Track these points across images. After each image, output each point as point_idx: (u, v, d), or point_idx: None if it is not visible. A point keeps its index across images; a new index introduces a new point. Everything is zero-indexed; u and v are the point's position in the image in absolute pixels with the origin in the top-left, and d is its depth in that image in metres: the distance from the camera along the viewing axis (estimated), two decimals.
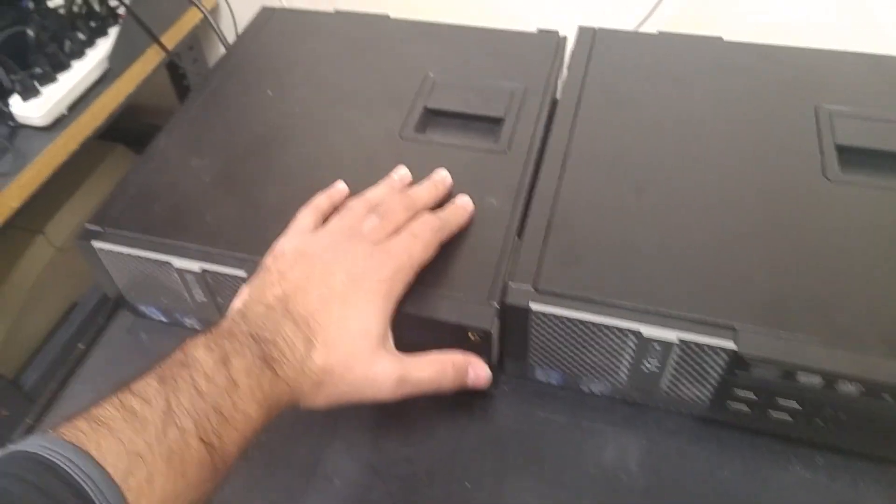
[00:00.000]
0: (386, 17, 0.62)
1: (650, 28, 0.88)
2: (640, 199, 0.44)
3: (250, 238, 0.44)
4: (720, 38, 0.57)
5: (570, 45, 0.58)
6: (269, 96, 0.55)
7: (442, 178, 0.46)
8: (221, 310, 0.46)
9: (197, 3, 0.92)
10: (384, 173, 0.47)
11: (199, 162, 0.49)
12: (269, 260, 0.40)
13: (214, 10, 1.10)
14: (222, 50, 1.16)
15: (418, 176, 0.46)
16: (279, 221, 0.43)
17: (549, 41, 0.57)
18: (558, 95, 0.53)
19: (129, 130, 1.13)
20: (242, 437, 0.31)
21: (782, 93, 0.51)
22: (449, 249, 0.42)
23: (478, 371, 0.40)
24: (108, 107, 0.88)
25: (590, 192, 0.45)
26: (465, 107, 0.52)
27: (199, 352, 0.32)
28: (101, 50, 0.84)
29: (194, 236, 0.44)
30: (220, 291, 0.45)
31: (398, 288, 0.38)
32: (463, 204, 0.44)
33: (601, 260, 0.41)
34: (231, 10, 1.07)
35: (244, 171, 0.49)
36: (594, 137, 0.49)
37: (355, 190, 0.46)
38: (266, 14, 0.65)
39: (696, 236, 0.42)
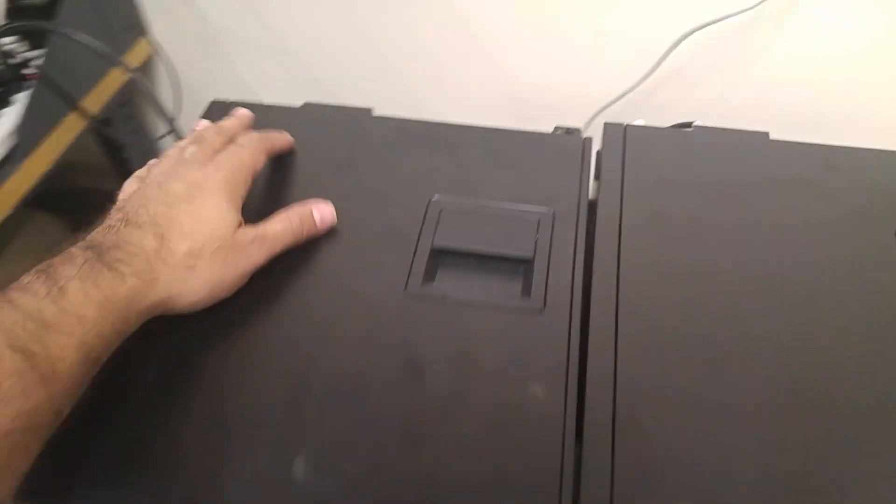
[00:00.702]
0: (367, 113, 0.51)
1: (647, 89, 0.82)
2: (719, 378, 0.35)
3: (216, 471, 0.32)
4: (766, 135, 0.49)
5: (594, 145, 0.48)
6: None
7: (242, 112, 0.47)
8: None
9: (121, 62, 0.79)
10: (388, 347, 0.37)
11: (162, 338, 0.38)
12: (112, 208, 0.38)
13: (149, 61, 0.97)
14: (164, 99, 1.02)
15: (431, 341, 0.37)
16: (257, 439, 0.33)
17: (573, 145, 0.48)
18: (592, 200, 0.44)
19: (51, 195, 0.99)
20: (79, 340, 0.31)
21: (853, 212, 0.43)
22: (492, 465, 0.32)
23: (322, 211, 0.42)
24: (19, 189, 0.74)
25: (654, 368, 0.36)
26: (482, 244, 0.42)
27: (24, 277, 0.32)
28: (5, 122, 0.71)
29: (138, 478, 0.33)
30: None
31: (238, 188, 0.40)
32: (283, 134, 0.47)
33: (686, 474, 0.32)
34: (168, 58, 0.94)
35: (204, 359, 0.37)
36: (645, 284, 0.39)
37: (353, 380, 0.36)
38: (217, 109, 0.52)
39: (799, 431, 0.33)
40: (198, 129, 0.45)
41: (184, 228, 0.36)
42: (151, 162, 0.43)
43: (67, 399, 0.31)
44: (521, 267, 0.41)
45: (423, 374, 0.36)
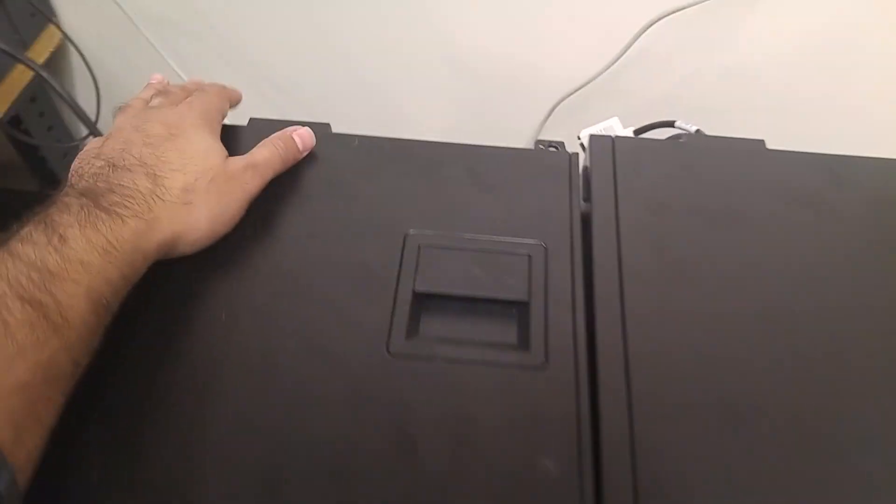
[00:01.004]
0: (325, 130, 0.45)
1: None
2: (744, 437, 0.32)
3: None
4: (762, 143, 0.45)
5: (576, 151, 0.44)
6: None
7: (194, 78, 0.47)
8: None
9: (23, 59, 0.69)
10: (374, 418, 0.32)
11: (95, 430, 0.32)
12: (74, 165, 0.36)
13: (60, 51, 0.86)
14: (81, 93, 0.92)
15: (422, 409, 0.32)
16: None
17: (558, 163, 0.43)
18: (585, 213, 0.40)
19: None
20: (86, 287, 0.30)
21: (863, 230, 0.40)
22: None
23: (301, 135, 0.42)
24: None
25: (674, 431, 0.32)
26: (471, 286, 0.37)
27: (21, 228, 0.31)
28: None
29: None
30: None
31: (214, 125, 0.40)
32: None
33: None
34: (80, 51, 0.84)
35: (159, 444, 0.31)
36: (653, 326, 0.35)
37: (335, 460, 0.31)
38: None
39: (830, 494, 0.30)
40: (153, 81, 0.45)
41: (174, 165, 0.36)
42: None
43: (83, 349, 0.30)
44: (513, 309, 0.37)
45: (415, 450, 0.31)
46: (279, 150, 0.40)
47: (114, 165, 0.35)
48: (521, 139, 0.93)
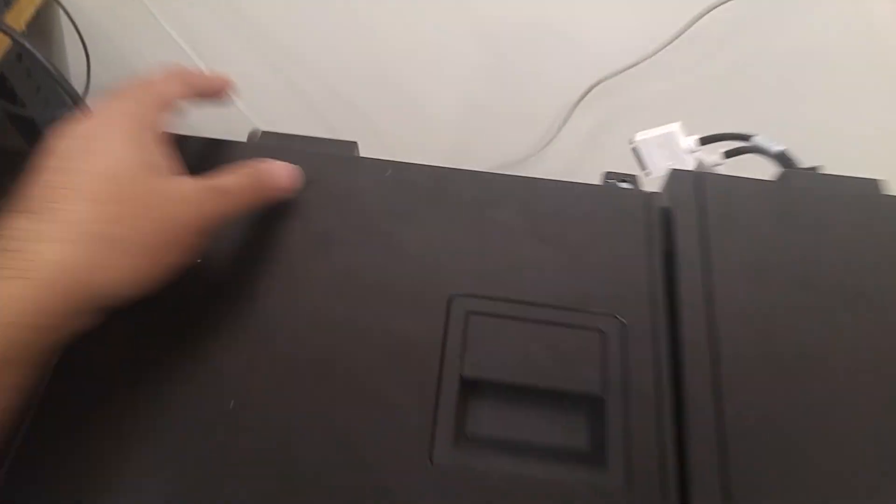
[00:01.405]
0: (351, 151, 0.37)
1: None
2: None
3: None
4: (875, 185, 0.38)
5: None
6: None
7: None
8: None
9: (6, 28, 0.60)
10: None
11: None
12: None
13: (46, 9, 0.77)
14: (70, 56, 0.84)
15: None
16: None
17: (632, 205, 0.35)
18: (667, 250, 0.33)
19: None
20: None
21: None
22: None
23: (278, 171, 0.34)
24: None
25: None
26: (530, 373, 0.30)
27: None
28: None
29: None
30: None
31: (147, 118, 0.31)
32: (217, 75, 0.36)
33: None
34: (66, 10, 0.75)
35: None
36: (759, 443, 0.29)
37: None
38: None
39: None
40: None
41: (83, 191, 0.27)
42: None
43: None
44: (583, 403, 0.30)
45: None
46: (249, 178, 0.32)
47: (18, 209, 0.27)
48: (550, 117, 0.85)
